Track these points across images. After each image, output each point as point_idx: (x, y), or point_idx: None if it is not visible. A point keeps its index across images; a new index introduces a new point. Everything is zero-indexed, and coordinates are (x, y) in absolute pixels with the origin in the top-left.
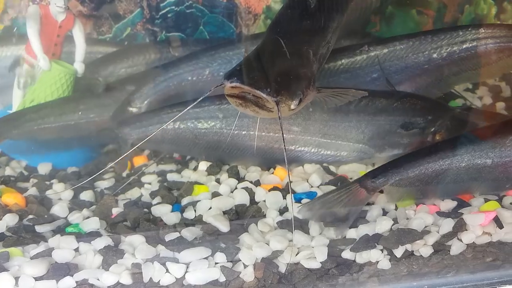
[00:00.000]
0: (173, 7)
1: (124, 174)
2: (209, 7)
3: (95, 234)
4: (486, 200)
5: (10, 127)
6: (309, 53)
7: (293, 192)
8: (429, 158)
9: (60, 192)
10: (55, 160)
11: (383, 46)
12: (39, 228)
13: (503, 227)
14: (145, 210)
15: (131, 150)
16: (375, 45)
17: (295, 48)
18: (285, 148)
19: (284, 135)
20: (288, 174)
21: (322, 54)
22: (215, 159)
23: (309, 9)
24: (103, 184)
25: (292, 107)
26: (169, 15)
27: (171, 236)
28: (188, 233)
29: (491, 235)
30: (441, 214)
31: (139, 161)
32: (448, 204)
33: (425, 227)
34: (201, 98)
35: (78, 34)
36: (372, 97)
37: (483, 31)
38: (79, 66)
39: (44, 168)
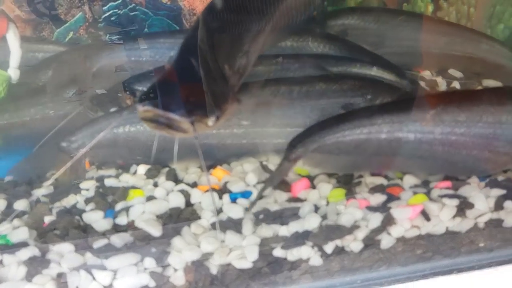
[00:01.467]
0: (116, 10)
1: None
2: (153, 10)
3: (22, 245)
4: (415, 193)
5: None
6: (223, 67)
7: (229, 191)
8: (344, 126)
9: None
10: None
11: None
12: None
13: (430, 220)
14: (77, 217)
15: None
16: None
17: (208, 64)
18: (202, 157)
19: (235, 130)
20: (208, 177)
21: (242, 65)
22: (163, 161)
23: (222, 21)
24: (40, 192)
25: (210, 124)
26: (112, 18)
27: (99, 243)
28: (118, 239)
29: (419, 228)
30: (370, 208)
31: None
32: (377, 198)
33: (355, 222)
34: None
35: (13, 39)
36: (312, 82)
37: None
38: (13, 72)
39: None
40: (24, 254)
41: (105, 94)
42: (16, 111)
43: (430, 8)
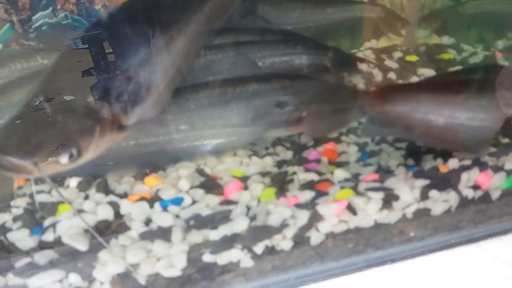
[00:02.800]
0: (47, 19)
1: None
2: (87, 17)
3: None
4: (342, 188)
5: None
6: (87, 101)
7: (160, 199)
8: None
9: None
10: None
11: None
12: None
13: (357, 214)
14: (1, 237)
15: None
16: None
17: (67, 100)
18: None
19: (174, 135)
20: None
21: (125, 93)
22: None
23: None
24: None
25: (63, 161)
26: (43, 28)
27: (22, 262)
28: (41, 257)
29: (347, 223)
30: (299, 206)
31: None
32: (306, 195)
33: (283, 220)
34: None
35: None
36: (244, 83)
37: None
38: None
39: None
40: None
41: None
42: None
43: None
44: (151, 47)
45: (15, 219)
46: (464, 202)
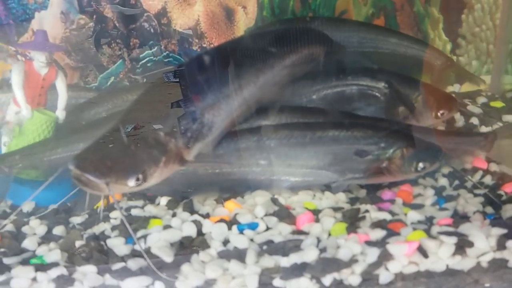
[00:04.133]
0: (152, 57)
1: (98, 210)
2: (184, 56)
3: (54, 265)
4: (415, 229)
5: (19, 159)
6: (158, 134)
7: (237, 223)
8: None
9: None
10: (39, 198)
11: None
12: (6, 260)
13: (428, 257)
14: (102, 243)
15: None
16: None
17: (141, 131)
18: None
19: (253, 168)
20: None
21: (191, 130)
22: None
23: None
24: (77, 220)
25: (130, 185)
26: (148, 64)
27: (117, 266)
28: (133, 263)
29: (418, 265)
30: (369, 243)
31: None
32: (377, 233)
33: (353, 256)
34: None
35: (60, 85)
36: (324, 129)
37: None
38: (60, 114)
39: (27, 206)
40: (54, 273)
41: None
42: (63, 147)
43: (449, 47)
44: (222, 92)
45: (113, 228)
46: None
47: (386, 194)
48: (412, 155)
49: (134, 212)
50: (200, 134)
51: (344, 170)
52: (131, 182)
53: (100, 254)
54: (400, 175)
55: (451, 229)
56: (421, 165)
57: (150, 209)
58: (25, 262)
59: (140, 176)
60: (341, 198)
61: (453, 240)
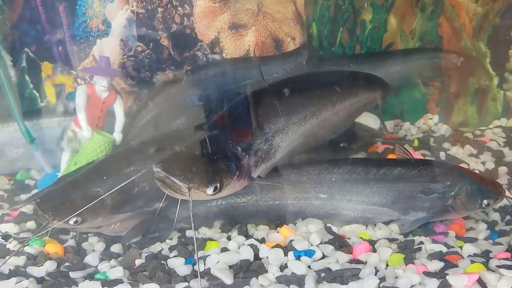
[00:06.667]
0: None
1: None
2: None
3: (118, 282)
4: (472, 262)
5: None
6: (236, 149)
7: (293, 249)
8: None
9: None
10: None
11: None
12: (72, 274)
13: None
14: (162, 262)
15: None
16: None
17: (221, 146)
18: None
19: (313, 201)
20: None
21: (261, 150)
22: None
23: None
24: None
25: (209, 192)
26: None
27: (181, 285)
28: (196, 283)
29: None
30: (427, 274)
31: None
32: (435, 265)
33: (412, 286)
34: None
35: (119, 108)
36: (389, 166)
37: None
38: (117, 136)
39: None
40: None
41: None
42: None
43: (496, 81)
44: (292, 119)
45: (170, 248)
46: None
47: (439, 227)
48: (477, 192)
49: (189, 233)
50: (267, 156)
51: (407, 208)
52: (210, 190)
53: (163, 273)
54: (465, 212)
55: (510, 262)
56: (485, 202)
57: (204, 231)
58: (89, 277)
59: (218, 186)
60: (394, 229)
61: None
